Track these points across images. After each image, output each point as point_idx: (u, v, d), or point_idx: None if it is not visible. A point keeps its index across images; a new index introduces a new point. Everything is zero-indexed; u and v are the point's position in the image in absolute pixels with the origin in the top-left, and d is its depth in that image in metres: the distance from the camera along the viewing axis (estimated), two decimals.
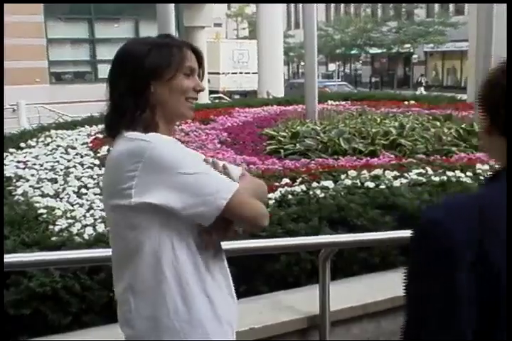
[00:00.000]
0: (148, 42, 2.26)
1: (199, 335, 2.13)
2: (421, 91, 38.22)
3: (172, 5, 9.47)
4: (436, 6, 52.12)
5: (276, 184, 5.62)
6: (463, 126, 9.59)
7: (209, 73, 27.32)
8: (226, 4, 65.08)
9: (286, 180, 5.73)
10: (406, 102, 14.38)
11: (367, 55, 56.33)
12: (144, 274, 2.11)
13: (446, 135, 9.10)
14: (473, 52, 15.74)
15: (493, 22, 10.08)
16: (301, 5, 54.64)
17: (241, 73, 36.93)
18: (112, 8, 24.70)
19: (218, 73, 35.44)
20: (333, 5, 62.98)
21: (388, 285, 4.43)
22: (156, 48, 2.20)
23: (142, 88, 2.17)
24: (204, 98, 21.19)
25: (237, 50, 37.48)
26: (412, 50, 51.61)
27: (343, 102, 14.64)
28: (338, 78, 51.26)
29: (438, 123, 10.25)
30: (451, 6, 51.55)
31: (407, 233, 4.15)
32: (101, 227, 4.64)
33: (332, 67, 58.41)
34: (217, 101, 21.26)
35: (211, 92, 28.62)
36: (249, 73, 35.82)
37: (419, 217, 4.72)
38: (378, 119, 10.63)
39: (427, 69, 54.16)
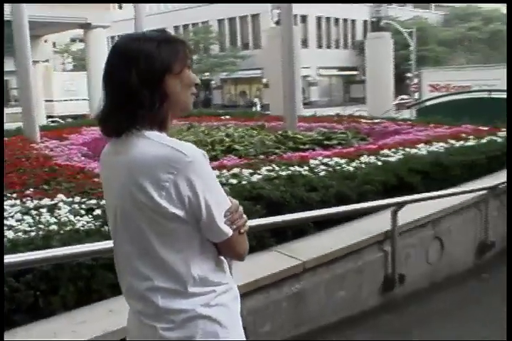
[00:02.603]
0: (153, 37, 1.82)
1: (231, 319, 1.88)
2: (256, 109, 39.42)
3: (28, 40, 8.97)
4: (227, 42, 53.40)
5: None
6: (280, 132, 9.74)
7: (45, 101, 27.29)
8: (52, 42, 62.79)
9: None
10: (223, 117, 14.47)
11: None
12: (171, 273, 1.79)
13: (268, 140, 9.22)
14: (272, 76, 16.15)
15: (293, 51, 10.44)
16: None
17: (71, 100, 36.24)
18: None
19: (52, 100, 34.62)
20: None
21: (269, 263, 4.33)
22: (164, 43, 1.81)
23: (157, 82, 1.78)
24: (43, 121, 21.24)
25: (67, 81, 36.88)
26: (211, 78, 52.42)
27: None
28: None
29: (255, 132, 10.37)
30: (239, 42, 53.08)
31: (277, 218, 4.13)
32: (10, 234, 4.10)
33: None
34: (54, 124, 20.61)
35: (48, 117, 28.20)
36: (78, 100, 35.20)
37: (283, 204, 4.67)
38: (206, 131, 10.55)
39: (224, 93, 55.13)
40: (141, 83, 1.75)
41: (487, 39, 55.73)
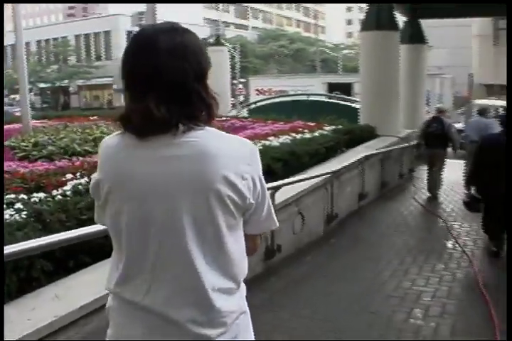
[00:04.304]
0: (186, 30, 1.44)
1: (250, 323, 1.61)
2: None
3: None
4: (83, 54, 50.68)
5: (63, 179, 4.78)
6: None
7: None
8: None
9: (69, 175, 4.91)
10: (91, 117, 13.66)
11: (38, 88, 52.16)
12: (233, 271, 1.47)
13: None
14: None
15: None
16: (10, 52, 47.89)
17: None
18: None
19: None
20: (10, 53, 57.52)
21: None
22: (198, 39, 1.45)
23: (205, 79, 1.43)
24: None
25: None
26: (69, 84, 49.62)
27: (45, 120, 13.35)
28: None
29: None
30: (93, 54, 50.68)
31: None
32: None
33: (17, 97, 53.66)
34: None
35: None
36: None
37: None
38: (80, 130, 9.80)
39: (80, 97, 52.21)
40: (195, 80, 1.40)
41: (292, 55, 58.02)
